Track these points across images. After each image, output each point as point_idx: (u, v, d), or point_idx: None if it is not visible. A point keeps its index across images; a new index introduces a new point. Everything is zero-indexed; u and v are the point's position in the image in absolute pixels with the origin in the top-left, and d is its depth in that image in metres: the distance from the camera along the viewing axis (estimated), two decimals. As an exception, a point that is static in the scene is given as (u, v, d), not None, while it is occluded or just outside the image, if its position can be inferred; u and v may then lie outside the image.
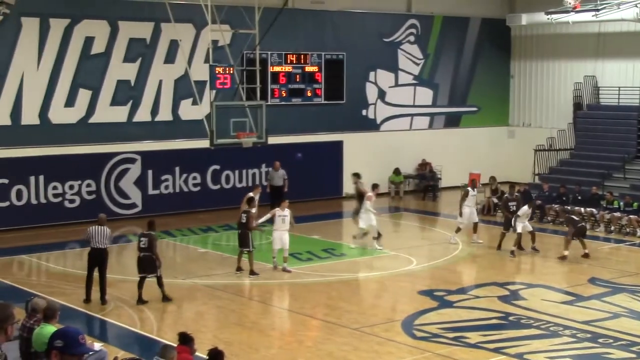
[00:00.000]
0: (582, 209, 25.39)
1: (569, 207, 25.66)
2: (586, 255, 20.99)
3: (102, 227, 16.91)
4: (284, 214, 19.63)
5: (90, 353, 10.41)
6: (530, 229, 21.97)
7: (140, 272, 16.83)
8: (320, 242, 23.06)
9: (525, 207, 21.91)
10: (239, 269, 19.31)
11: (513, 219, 21.76)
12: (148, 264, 16.69)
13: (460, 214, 23.08)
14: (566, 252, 20.94)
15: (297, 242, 22.25)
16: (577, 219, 21.91)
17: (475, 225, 22.98)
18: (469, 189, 23.40)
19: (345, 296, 17.63)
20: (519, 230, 21.62)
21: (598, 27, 31.56)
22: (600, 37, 31.87)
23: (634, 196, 24.64)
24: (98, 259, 16.81)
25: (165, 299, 16.85)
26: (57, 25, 24.89)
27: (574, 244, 21.14)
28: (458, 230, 22.90)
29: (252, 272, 19.15)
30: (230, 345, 13.62)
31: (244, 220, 19.27)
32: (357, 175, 24.78)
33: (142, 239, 16.80)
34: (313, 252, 21.68)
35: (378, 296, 18.31)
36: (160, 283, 16.83)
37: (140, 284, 16.78)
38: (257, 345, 14.30)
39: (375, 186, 23.50)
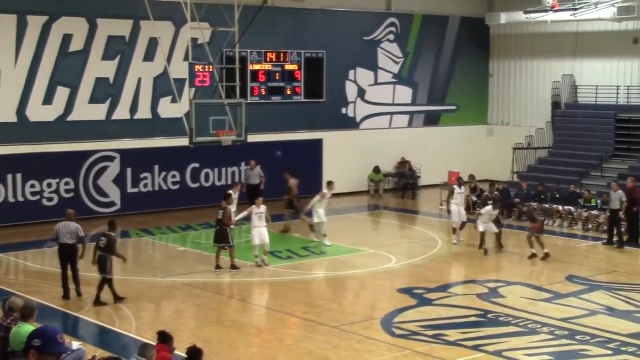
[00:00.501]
0: (560, 207, 25.58)
1: (547, 205, 25.83)
2: (546, 255, 20.92)
3: (69, 222, 16.92)
4: (259, 211, 19.82)
5: (68, 352, 10.36)
6: (496, 230, 21.89)
7: (100, 272, 16.65)
8: (300, 240, 23.06)
9: (489, 207, 21.77)
10: (218, 267, 19.31)
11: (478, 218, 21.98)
12: (103, 264, 16.53)
13: (449, 212, 22.91)
14: (533, 250, 21.03)
15: (277, 240, 22.27)
16: (537, 215, 21.97)
17: (463, 224, 22.80)
18: (455, 186, 23.22)
19: (324, 294, 17.66)
20: (481, 229, 21.65)
21: (576, 26, 31.79)
22: (578, 36, 32.10)
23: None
24: (67, 255, 16.86)
25: (98, 302, 16.52)
26: (35, 22, 24.72)
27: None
28: (454, 230, 22.85)
29: (233, 266, 19.26)
30: (209, 344, 13.60)
31: (220, 217, 19.41)
32: (290, 173, 24.64)
33: (102, 238, 16.69)
34: (293, 250, 21.68)
35: (357, 294, 18.34)
36: (101, 285, 16.53)
37: (110, 284, 16.65)
38: (236, 344, 14.28)
39: (329, 183, 23.47)
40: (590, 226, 24.79)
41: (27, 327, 9.43)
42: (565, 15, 30.49)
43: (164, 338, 10.68)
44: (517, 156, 31.21)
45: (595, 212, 24.70)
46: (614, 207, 22.69)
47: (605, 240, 22.99)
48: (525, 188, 27.16)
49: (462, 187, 23.40)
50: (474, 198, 27.40)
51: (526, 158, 31.35)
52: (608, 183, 26.66)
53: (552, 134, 31.87)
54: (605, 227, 23.96)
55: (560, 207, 25.58)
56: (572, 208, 25.38)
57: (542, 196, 26.21)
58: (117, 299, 16.64)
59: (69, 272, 16.92)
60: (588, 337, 14.53)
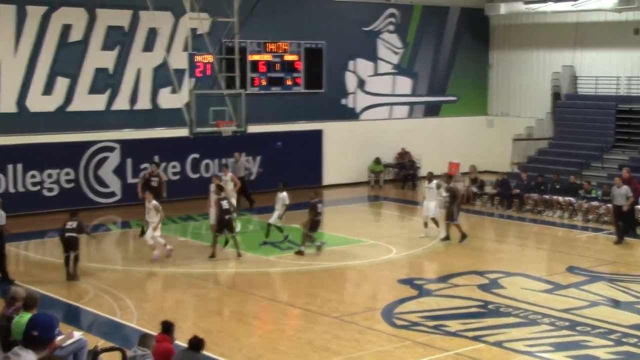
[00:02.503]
0: (560, 198, 25.56)
1: (547, 196, 25.81)
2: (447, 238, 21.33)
3: None
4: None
5: (69, 342, 10.38)
6: (433, 214, 21.88)
7: (65, 252, 17.59)
8: (301, 230, 23.00)
9: (433, 186, 21.91)
10: (213, 255, 19.48)
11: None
12: (73, 243, 17.54)
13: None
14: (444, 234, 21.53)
15: (278, 231, 22.27)
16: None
17: (433, 219, 22.01)
18: (426, 182, 22.74)
19: (325, 285, 17.65)
20: (425, 213, 21.94)
21: (576, 16, 31.71)
22: (578, 26, 32.02)
23: (612, 185, 24.79)
24: None
25: (74, 276, 17.54)
26: (34, 13, 24.67)
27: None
28: (425, 224, 22.25)
29: (240, 255, 19.47)
30: (210, 334, 13.57)
31: (227, 206, 19.40)
32: (156, 164, 23.89)
33: (70, 222, 17.65)
34: (293, 241, 21.66)
35: (358, 285, 18.35)
36: (76, 258, 17.61)
37: (67, 262, 17.54)
38: (237, 334, 14.29)
39: (225, 166, 23.80)
40: (590, 217, 24.76)
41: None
42: (566, 6, 30.47)
43: (167, 328, 10.68)
44: (517, 147, 31.18)
45: (595, 203, 24.67)
46: (619, 204, 22.03)
47: (615, 240, 21.87)
48: (525, 179, 27.16)
49: (434, 181, 22.32)
50: (474, 189, 27.49)
51: (526, 149, 31.32)
52: (609, 174, 26.71)
53: (553, 125, 31.85)
54: (605, 219, 23.94)
55: (560, 198, 25.56)
56: (572, 199, 25.36)
57: (542, 187, 26.21)
58: (70, 276, 17.51)
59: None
60: (589, 328, 14.54)
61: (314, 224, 20.28)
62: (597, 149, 28.70)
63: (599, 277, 18.28)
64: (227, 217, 19.51)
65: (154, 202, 19.50)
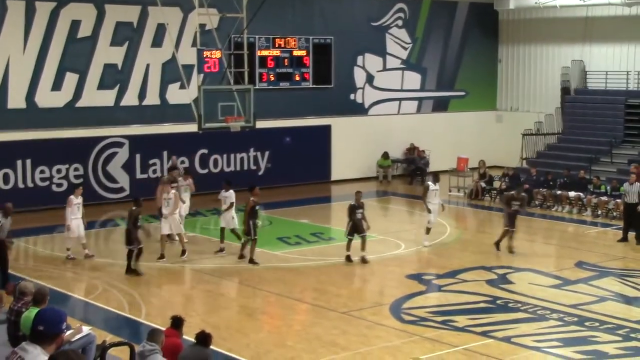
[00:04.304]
0: (570, 193, 25.48)
1: (557, 192, 25.75)
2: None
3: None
4: (169, 197, 19.48)
5: (78, 337, 10.41)
6: (433, 220, 20.60)
7: (126, 245, 17.79)
8: (309, 226, 23.07)
9: (431, 184, 20.78)
10: (242, 256, 19.10)
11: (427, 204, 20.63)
12: (126, 237, 17.73)
13: (428, 211, 20.74)
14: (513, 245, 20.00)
15: (286, 226, 22.29)
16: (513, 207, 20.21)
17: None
18: (430, 183, 21.26)
19: (333, 280, 17.65)
20: (432, 218, 20.57)
21: (586, 11, 31.61)
22: (587, 21, 31.91)
23: (621, 180, 24.71)
24: None
25: (131, 271, 17.56)
26: (43, 9, 24.72)
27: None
28: (428, 231, 20.82)
29: (244, 259, 19.15)
30: (218, 329, 13.61)
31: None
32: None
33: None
34: (302, 236, 21.69)
35: (366, 280, 18.35)
36: (129, 256, 17.61)
37: (129, 256, 17.63)
38: (245, 330, 14.31)
39: (176, 171, 23.17)
40: (599, 212, 24.69)
41: (38, 312, 9.46)
42: (575, 0, 30.34)
43: (177, 323, 10.70)
44: (527, 142, 31.11)
45: (604, 198, 24.59)
46: (632, 201, 21.34)
47: (620, 238, 21.44)
48: (534, 174, 27.10)
49: (438, 183, 21.17)
50: (483, 184, 27.44)
51: (535, 144, 31.25)
52: (618, 169, 26.63)
53: (562, 120, 31.75)
54: (615, 214, 23.86)
55: (569, 194, 25.47)
56: (581, 194, 25.28)
57: (552, 182, 26.14)
58: (130, 271, 17.55)
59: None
60: (597, 324, 14.51)
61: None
62: (607, 144, 28.61)
63: (607, 273, 18.23)
64: (250, 221, 19.10)
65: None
